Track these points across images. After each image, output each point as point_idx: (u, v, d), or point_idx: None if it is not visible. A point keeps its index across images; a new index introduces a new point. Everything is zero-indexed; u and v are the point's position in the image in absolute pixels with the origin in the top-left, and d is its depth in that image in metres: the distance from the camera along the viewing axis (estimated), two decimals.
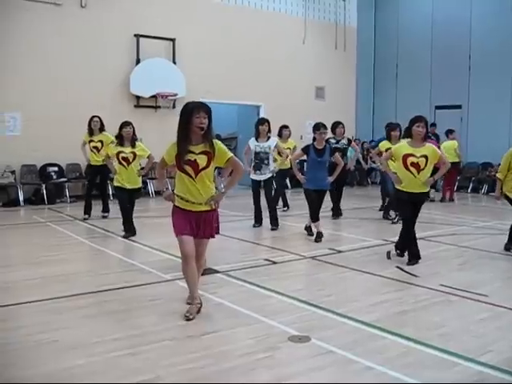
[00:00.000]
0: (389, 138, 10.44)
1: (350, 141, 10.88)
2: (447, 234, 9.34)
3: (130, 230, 8.74)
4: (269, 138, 9.44)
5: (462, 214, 11.55)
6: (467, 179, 15.90)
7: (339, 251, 7.80)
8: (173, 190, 4.99)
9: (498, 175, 7.90)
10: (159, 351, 4.14)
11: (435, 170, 7.08)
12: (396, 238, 8.69)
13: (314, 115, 16.91)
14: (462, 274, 6.64)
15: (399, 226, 8.91)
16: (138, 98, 14.28)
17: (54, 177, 13.19)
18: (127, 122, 8.67)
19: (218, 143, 4.77)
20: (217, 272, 6.51)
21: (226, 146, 8.70)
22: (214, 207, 4.85)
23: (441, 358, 4.07)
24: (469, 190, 16.09)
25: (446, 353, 4.14)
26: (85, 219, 10.45)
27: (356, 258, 7.51)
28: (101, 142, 10.49)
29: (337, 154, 8.80)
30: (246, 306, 5.22)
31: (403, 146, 6.99)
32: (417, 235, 9.06)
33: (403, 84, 18.30)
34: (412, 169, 6.82)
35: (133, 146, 8.58)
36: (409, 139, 6.99)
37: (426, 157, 6.75)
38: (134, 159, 8.54)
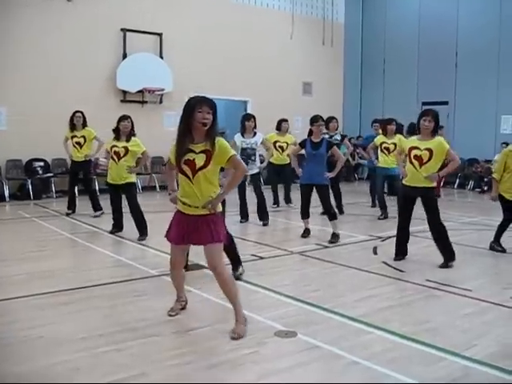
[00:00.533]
0: (384, 132, 10.46)
1: (343, 137, 10.84)
2: None
3: (116, 226, 8.62)
4: (255, 133, 9.39)
5: (449, 209, 11.59)
6: (453, 175, 15.96)
7: (326, 247, 7.81)
8: None
9: (493, 175, 7.73)
10: (145, 347, 4.13)
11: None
12: (383, 233, 8.73)
13: (302, 111, 16.96)
14: (448, 269, 6.67)
15: (386, 221, 8.96)
16: (124, 92, 14.20)
17: (40, 172, 13.09)
18: (125, 115, 8.41)
19: (219, 141, 4.30)
20: (203, 267, 6.48)
21: None
22: (211, 211, 4.33)
23: (426, 353, 4.09)
24: (455, 186, 16.18)
25: (432, 348, 4.16)
26: (67, 214, 10.37)
27: (343, 253, 7.53)
28: (83, 137, 10.36)
29: (335, 148, 8.31)
30: None
31: (411, 141, 6.82)
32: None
33: (390, 80, 18.34)
34: (415, 162, 6.63)
35: (128, 140, 8.26)
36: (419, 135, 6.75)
37: (430, 150, 6.51)
38: (125, 154, 8.19)
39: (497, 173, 7.66)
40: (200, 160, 4.26)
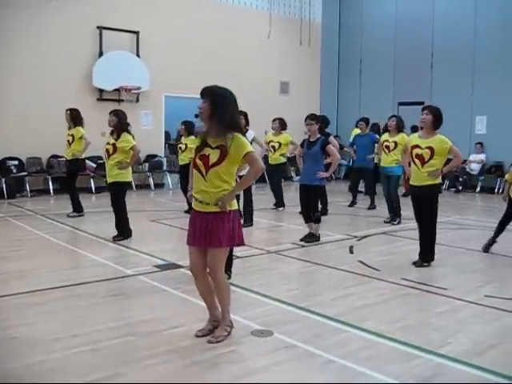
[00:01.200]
0: (386, 129, 10.45)
1: (328, 135, 10.81)
2: (409, 228, 9.45)
3: (120, 232, 8.17)
4: (246, 130, 9.22)
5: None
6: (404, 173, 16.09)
7: (303, 246, 7.84)
8: None
9: (506, 177, 7.68)
10: (120, 347, 4.10)
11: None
12: (359, 233, 8.78)
13: (279, 110, 16.92)
14: (423, 268, 6.72)
15: (361, 220, 9.01)
16: (101, 91, 14.06)
17: (14, 171, 12.91)
18: (114, 109, 8.28)
19: (236, 137, 4.08)
20: (180, 267, 6.47)
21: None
22: (222, 209, 4.11)
23: (402, 351, 4.13)
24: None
25: (407, 345, 4.20)
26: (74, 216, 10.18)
27: (319, 252, 7.56)
28: (72, 136, 10.19)
29: (330, 146, 8.03)
30: None
31: (413, 138, 6.79)
32: (379, 229, 9.20)
33: (367, 80, 18.44)
34: (416, 161, 6.58)
35: (118, 137, 7.99)
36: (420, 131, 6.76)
37: (431, 148, 6.45)
38: (114, 152, 7.97)
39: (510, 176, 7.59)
40: (214, 156, 4.08)
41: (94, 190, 13.35)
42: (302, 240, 8.06)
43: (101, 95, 14.09)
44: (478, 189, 15.15)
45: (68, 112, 10.30)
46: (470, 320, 4.91)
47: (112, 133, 8.09)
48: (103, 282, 5.85)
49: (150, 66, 14.43)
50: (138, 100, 14.62)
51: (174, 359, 3.89)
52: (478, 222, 10.02)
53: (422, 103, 16.68)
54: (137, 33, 14.58)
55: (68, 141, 10.21)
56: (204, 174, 4.13)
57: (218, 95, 4.13)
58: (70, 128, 10.27)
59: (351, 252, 7.54)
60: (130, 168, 8.26)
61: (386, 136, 10.17)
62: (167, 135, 17.59)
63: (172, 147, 18.86)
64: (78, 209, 10.26)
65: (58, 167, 13.24)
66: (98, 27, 13.97)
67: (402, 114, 16.42)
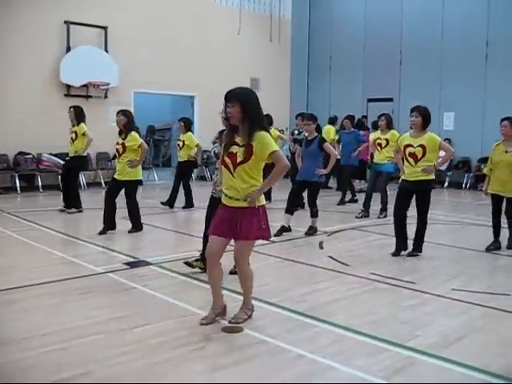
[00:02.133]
0: (376, 128, 10.71)
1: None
2: (379, 223, 9.56)
3: (107, 226, 8.29)
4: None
5: (392, 204, 11.80)
6: (398, 170, 16.30)
7: (273, 241, 7.83)
8: None
9: (485, 171, 8.07)
10: (90, 345, 4.06)
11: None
12: (329, 228, 8.84)
13: None
14: (392, 262, 6.82)
15: (331, 215, 9.08)
16: (68, 86, 13.88)
17: None
18: (121, 109, 8.47)
19: (260, 135, 4.26)
20: (150, 264, 6.43)
21: (160, 136, 8.63)
22: (251, 204, 4.29)
23: (371, 345, 4.17)
24: (399, 181, 16.50)
25: (376, 339, 4.25)
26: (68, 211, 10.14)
27: (290, 248, 7.59)
28: (75, 132, 10.11)
29: (327, 144, 8.39)
30: (178, 297, 5.18)
31: (405, 137, 7.08)
32: (349, 225, 9.28)
33: (337, 77, 18.53)
34: (410, 159, 6.91)
35: (125, 136, 8.20)
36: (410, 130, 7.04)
37: (423, 146, 6.76)
38: (123, 151, 8.17)
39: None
40: (241, 154, 4.26)
41: (62, 188, 13.14)
42: (306, 234, 8.40)
43: (68, 91, 13.90)
44: (446, 184, 15.37)
45: (72, 109, 10.23)
46: (438, 313, 4.98)
47: (120, 133, 8.30)
48: (72, 280, 5.77)
49: (119, 61, 14.29)
50: (106, 96, 14.47)
51: (143, 357, 3.86)
52: (445, 217, 10.16)
53: (390, 99, 16.95)
54: (105, 28, 14.42)
55: (71, 138, 10.16)
56: (232, 171, 4.33)
57: (246, 99, 4.35)
58: (73, 125, 10.20)
59: (321, 247, 7.58)
60: (140, 166, 8.45)
61: (377, 134, 10.39)
62: (137, 132, 17.42)
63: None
64: (77, 205, 10.25)
65: (25, 165, 13.05)
66: (65, 22, 13.77)
67: (372, 110, 16.71)
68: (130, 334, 4.30)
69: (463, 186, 15.31)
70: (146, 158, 8.44)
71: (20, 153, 13.18)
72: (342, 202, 11.80)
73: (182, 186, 11.00)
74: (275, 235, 8.05)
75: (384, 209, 10.16)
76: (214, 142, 6.17)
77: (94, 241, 7.68)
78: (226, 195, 4.40)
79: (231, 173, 4.34)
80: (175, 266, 6.36)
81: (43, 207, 10.85)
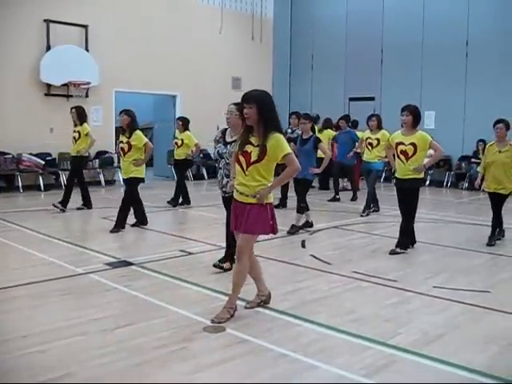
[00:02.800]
0: (356, 126, 10.77)
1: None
2: (360, 222, 9.60)
3: (118, 224, 8.44)
4: None
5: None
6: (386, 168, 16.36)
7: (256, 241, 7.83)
8: None
9: (479, 169, 8.35)
10: (71, 347, 4.02)
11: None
12: (310, 227, 8.85)
13: None
14: (374, 260, 6.85)
15: (313, 215, 9.07)
16: (48, 86, 13.73)
17: None
18: (125, 109, 8.57)
19: (275, 137, 4.44)
20: (131, 264, 6.39)
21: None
22: (259, 201, 4.49)
23: (353, 343, 4.18)
24: (381, 180, 16.58)
25: (358, 337, 4.26)
26: (61, 209, 10.03)
27: (272, 247, 7.57)
28: (78, 132, 10.16)
29: (322, 144, 8.56)
30: (160, 297, 5.15)
31: (396, 136, 7.29)
32: (331, 223, 9.30)
33: (318, 76, 18.56)
34: (401, 156, 7.11)
35: (130, 135, 8.37)
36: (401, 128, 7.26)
37: (414, 144, 6.97)
38: (129, 149, 8.34)
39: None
40: (255, 154, 4.46)
41: (42, 188, 13.05)
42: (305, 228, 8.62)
43: (49, 90, 13.75)
44: (428, 182, 15.47)
45: (74, 110, 10.32)
46: (420, 311, 5.02)
47: (124, 131, 8.49)
48: (52, 281, 5.72)
49: (100, 60, 14.17)
50: (87, 95, 14.33)
51: (125, 357, 3.84)
52: (427, 215, 10.21)
53: (372, 99, 17.02)
54: (85, 26, 14.28)
55: (74, 137, 10.23)
56: (245, 168, 4.54)
57: (263, 101, 4.50)
58: (75, 125, 10.26)
59: (303, 246, 7.59)
60: (144, 165, 8.60)
61: (367, 134, 10.58)
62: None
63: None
64: (87, 202, 10.44)
65: (5, 165, 12.91)
66: (45, 20, 13.61)
67: (353, 109, 16.78)
68: (112, 334, 4.27)
69: (444, 184, 15.43)
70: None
71: (0, 153, 13.03)
72: (334, 199, 12.15)
73: (177, 183, 11.21)
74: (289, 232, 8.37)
75: (368, 207, 10.30)
76: (217, 141, 6.16)
77: (75, 241, 7.61)
78: (237, 190, 4.63)
79: (244, 171, 4.54)
80: (157, 266, 6.33)
81: (23, 208, 10.73)
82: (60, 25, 13.82)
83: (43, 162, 13.22)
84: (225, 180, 5.95)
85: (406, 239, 7.25)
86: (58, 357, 3.85)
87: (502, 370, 3.73)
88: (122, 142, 8.51)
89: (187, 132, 11.01)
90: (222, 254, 7.13)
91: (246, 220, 4.53)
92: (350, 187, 13.22)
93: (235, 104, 5.70)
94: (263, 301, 4.92)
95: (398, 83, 16.40)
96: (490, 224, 8.00)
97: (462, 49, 15.35)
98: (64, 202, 10.10)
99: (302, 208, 8.56)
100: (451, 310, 5.03)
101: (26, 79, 13.41)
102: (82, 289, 5.49)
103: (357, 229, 8.93)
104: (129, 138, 8.36)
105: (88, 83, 14.02)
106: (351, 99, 17.66)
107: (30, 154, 13.10)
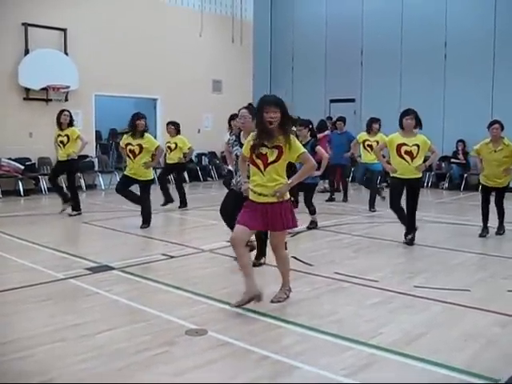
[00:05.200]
0: (369, 130, 11.07)
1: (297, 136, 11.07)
2: (342, 223, 9.64)
3: (145, 221, 8.86)
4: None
5: (356, 203, 11.94)
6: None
7: None
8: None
9: (473, 153, 8.97)
10: (51, 353, 3.98)
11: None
12: (293, 229, 8.84)
13: (212, 108, 16.98)
14: (356, 261, 6.88)
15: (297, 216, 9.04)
16: (27, 90, 13.61)
17: None
18: (142, 114, 8.76)
19: (292, 139, 4.79)
20: (112, 269, 6.35)
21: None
22: (279, 199, 4.82)
23: (334, 343, 4.20)
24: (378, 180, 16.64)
25: (339, 338, 4.27)
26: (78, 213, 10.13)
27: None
28: (67, 136, 9.97)
29: (319, 147, 8.61)
30: (142, 302, 5.13)
31: (396, 137, 7.75)
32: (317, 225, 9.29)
33: (299, 78, 18.62)
34: (406, 157, 7.58)
35: (141, 137, 8.58)
36: (400, 130, 7.75)
37: (418, 146, 7.51)
38: (140, 152, 8.52)
39: None
40: (272, 155, 4.77)
41: (22, 193, 12.91)
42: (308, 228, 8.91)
43: (27, 94, 13.62)
44: None
45: (67, 112, 10.16)
46: (401, 310, 5.04)
47: (134, 135, 8.73)
48: (32, 287, 5.65)
49: (79, 64, 14.07)
50: (66, 99, 14.21)
51: (106, 362, 3.81)
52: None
53: (352, 100, 17.12)
54: (64, 30, 14.17)
55: (62, 142, 10.02)
56: (263, 170, 4.82)
57: (285, 107, 4.79)
58: (62, 129, 10.04)
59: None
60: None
61: (365, 136, 11.05)
62: (98, 135, 17.25)
63: (103, 147, 18.53)
64: (77, 207, 10.26)
65: None
66: (23, 24, 13.47)
67: (334, 111, 16.86)
68: (93, 340, 4.23)
69: (424, 184, 15.54)
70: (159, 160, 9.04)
71: None
72: (330, 199, 12.41)
73: (160, 185, 11.19)
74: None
75: (373, 204, 10.96)
76: (232, 145, 6.39)
77: (55, 246, 7.53)
78: (254, 192, 4.87)
79: (262, 172, 4.82)
80: (138, 270, 6.30)
81: (2, 213, 10.60)
82: (38, 28, 13.69)
83: (23, 167, 13.08)
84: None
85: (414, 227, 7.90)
86: (39, 363, 3.81)
87: (482, 368, 3.76)
88: (131, 144, 8.68)
89: (180, 136, 11.08)
90: (203, 256, 7.15)
91: (272, 220, 4.84)
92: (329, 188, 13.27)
93: (246, 108, 6.10)
94: (251, 298, 4.91)
95: (377, 85, 16.51)
96: (481, 216, 8.49)
97: (440, 50, 15.50)
98: (77, 206, 10.18)
99: (313, 210, 8.93)
100: (432, 309, 5.07)
101: (5, 83, 13.27)
102: (62, 294, 5.44)
103: (338, 230, 8.97)
104: (141, 138, 8.61)
105: (67, 87, 13.93)
106: (332, 101, 17.74)
107: (9, 158, 12.97)
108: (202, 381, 3.58)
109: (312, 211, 8.92)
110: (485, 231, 8.44)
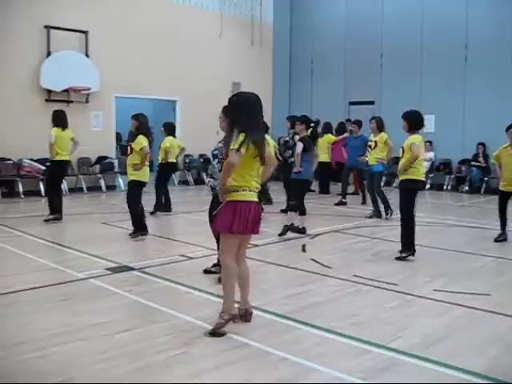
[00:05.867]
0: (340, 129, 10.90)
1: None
2: (361, 226, 9.61)
3: (136, 228, 8.44)
4: None
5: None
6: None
7: (255, 245, 7.83)
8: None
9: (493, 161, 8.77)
10: (71, 352, 4.02)
11: None
12: (312, 231, 8.86)
13: None
14: (374, 264, 6.86)
15: (313, 218, 9.06)
16: (49, 91, 13.77)
17: None
18: (136, 114, 8.69)
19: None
20: (132, 269, 6.40)
21: None
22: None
23: (353, 346, 4.19)
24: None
25: (359, 341, 4.27)
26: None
27: (272, 251, 7.60)
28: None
29: (298, 142, 8.81)
30: (161, 302, 5.16)
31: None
32: (333, 227, 9.31)
33: (318, 80, 18.60)
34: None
35: (134, 139, 8.52)
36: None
37: (403, 148, 7.23)
38: (130, 153, 8.46)
39: None
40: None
41: (43, 193, 13.03)
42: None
43: (49, 96, 13.78)
44: (428, 186, 15.47)
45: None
46: (420, 314, 5.02)
47: (131, 135, 8.70)
48: (53, 286, 5.73)
49: (100, 66, 14.21)
50: (87, 101, 14.37)
51: (125, 362, 3.84)
52: (427, 219, 10.22)
53: (372, 102, 17.05)
54: (85, 32, 14.33)
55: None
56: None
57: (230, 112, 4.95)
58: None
59: (304, 250, 7.60)
60: (147, 169, 8.55)
61: (370, 137, 10.74)
62: (118, 136, 17.38)
63: (123, 148, 18.63)
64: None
65: (6, 170, 12.94)
66: (45, 26, 13.65)
67: (353, 114, 16.79)
68: (112, 339, 4.28)
69: (444, 187, 15.44)
70: (148, 161, 8.75)
71: (0, 158, 13.05)
72: (363, 202, 12.29)
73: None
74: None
75: (387, 207, 10.41)
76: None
77: (76, 246, 7.61)
78: (254, 192, 4.60)
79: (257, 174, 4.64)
80: (158, 270, 6.34)
81: (24, 213, 10.75)
82: (60, 31, 13.86)
83: (44, 168, 13.22)
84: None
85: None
86: (58, 362, 3.86)
87: (501, 373, 3.75)
88: (129, 144, 8.71)
89: (168, 137, 11.14)
90: None
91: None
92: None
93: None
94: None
95: (397, 87, 16.43)
96: (500, 222, 8.45)
97: (461, 52, 15.37)
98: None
99: (291, 206, 8.85)
100: (451, 313, 5.04)
101: (27, 85, 13.45)
102: (83, 294, 5.49)
103: (357, 233, 8.94)
104: (132, 141, 8.50)
105: (88, 89, 14.07)
106: (351, 103, 17.69)
107: (31, 159, 13.12)
108: (220, 381, 3.59)
109: (290, 206, 8.88)
110: (502, 236, 8.36)
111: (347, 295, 5.53)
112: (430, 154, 15.63)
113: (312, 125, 9.04)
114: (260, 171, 4.65)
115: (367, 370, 3.74)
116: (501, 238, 8.33)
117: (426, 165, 15.57)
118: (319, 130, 14.44)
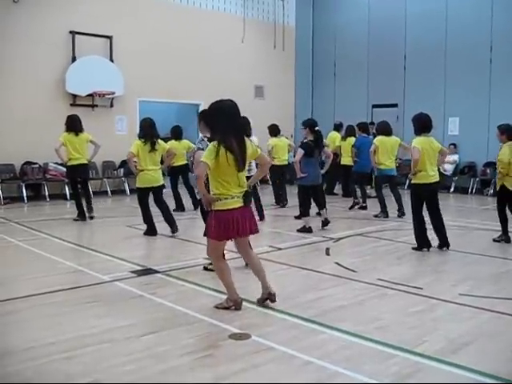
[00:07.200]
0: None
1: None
2: (385, 229, 9.55)
3: (148, 230, 8.85)
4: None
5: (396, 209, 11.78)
6: (403, 176, 16.24)
7: (279, 248, 7.84)
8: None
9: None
10: (97, 354, 4.06)
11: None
12: (336, 234, 8.84)
13: (254, 114, 16.92)
14: (399, 268, 6.81)
15: (336, 222, 9.04)
16: (74, 96, 13.94)
17: None
18: (143, 119, 8.97)
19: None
20: (157, 272, 6.44)
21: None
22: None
23: (379, 351, 4.16)
24: (405, 187, 16.46)
25: (384, 345, 4.23)
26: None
27: (296, 254, 7.58)
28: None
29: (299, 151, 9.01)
30: (186, 305, 5.19)
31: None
32: (355, 231, 9.27)
33: (341, 83, 18.55)
34: None
35: None
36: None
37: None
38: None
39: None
40: None
41: (68, 197, 13.19)
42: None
43: (74, 100, 13.95)
44: (452, 189, 15.34)
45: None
46: (445, 318, 4.97)
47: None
48: (79, 288, 5.79)
49: (124, 70, 14.36)
50: (112, 105, 14.53)
51: (150, 365, 3.87)
52: (451, 222, 10.10)
53: (395, 105, 16.95)
54: (110, 37, 14.49)
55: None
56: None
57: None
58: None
59: (327, 254, 7.57)
60: (145, 175, 8.69)
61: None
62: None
63: None
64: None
65: (32, 174, 13.11)
66: (70, 32, 13.84)
67: (376, 116, 16.71)
68: (137, 342, 4.31)
69: (469, 190, 15.27)
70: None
71: (27, 162, 13.24)
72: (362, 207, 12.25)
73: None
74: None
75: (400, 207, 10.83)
76: None
77: (101, 249, 7.69)
78: (237, 197, 4.97)
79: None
80: (182, 273, 6.37)
81: (50, 216, 10.89)
82: (85, 36, 14.05)
83: None
84: None
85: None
86: (84, 364, 3.89)
87: None
88: None
89: (171, 141, 11.49)
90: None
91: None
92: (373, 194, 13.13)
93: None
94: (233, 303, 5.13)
95: (421, 89, 16.31)
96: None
97: (486, 54, 15.19)
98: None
99: (301, 213, 9.26)
100: (477, 317, 4.98)
101: (53, 90, 13.64)
102: (108, 297, 5.54)
103: (381, 236, 8.88)
104: None
105: (113, 93, 14.22)
106: (374, 106, 17.60)
107: (56, 163, 13.28)
108: None
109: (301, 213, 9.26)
110: (503, 237, 8.36)
111: (372, 299, 5.49)
112: (455, 157, 15.48)
113: (316, 128, 9.03)
114: (243, 176, 4.96)
115: (393, 375, 3.71)
116: (501, 239, 8.34)
117: (450, 167, 15.46)
118: (342, 133, 14.41)
